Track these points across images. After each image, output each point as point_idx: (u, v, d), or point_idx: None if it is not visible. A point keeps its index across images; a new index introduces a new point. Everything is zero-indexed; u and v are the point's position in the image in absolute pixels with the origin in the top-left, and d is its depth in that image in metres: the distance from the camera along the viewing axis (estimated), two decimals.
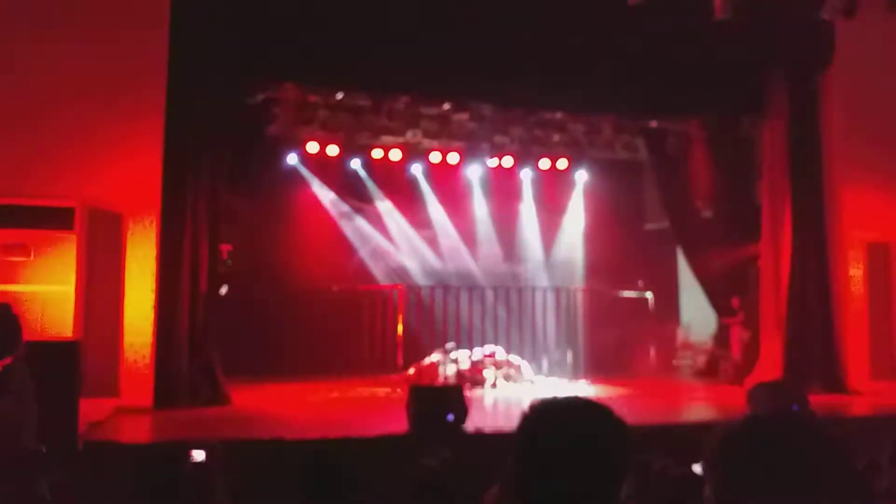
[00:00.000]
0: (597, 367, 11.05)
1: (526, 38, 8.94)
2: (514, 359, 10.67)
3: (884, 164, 10.12)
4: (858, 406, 9.09)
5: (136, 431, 6.88)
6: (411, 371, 10.47)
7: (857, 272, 10.14)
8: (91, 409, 6.65)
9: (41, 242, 7.77)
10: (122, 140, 7.79)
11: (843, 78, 10.14)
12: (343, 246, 11.92)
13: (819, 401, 8.15)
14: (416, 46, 8.81)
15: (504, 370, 10.45)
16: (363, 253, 12.11)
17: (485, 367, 10.38)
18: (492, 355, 10.52)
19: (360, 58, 8.80)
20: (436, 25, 8.65)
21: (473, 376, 10.19)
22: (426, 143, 12.33)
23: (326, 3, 8.32)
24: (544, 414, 1.61)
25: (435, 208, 13.09)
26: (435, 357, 10.35)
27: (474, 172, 13.13)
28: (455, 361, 10.32)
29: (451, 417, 6.80)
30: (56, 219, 7.73)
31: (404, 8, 8.48)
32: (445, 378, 10.00)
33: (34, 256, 7.76)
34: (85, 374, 6.36)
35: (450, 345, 10.24)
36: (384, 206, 12.88)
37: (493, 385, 10.27)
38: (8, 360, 3.44)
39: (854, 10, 8.95)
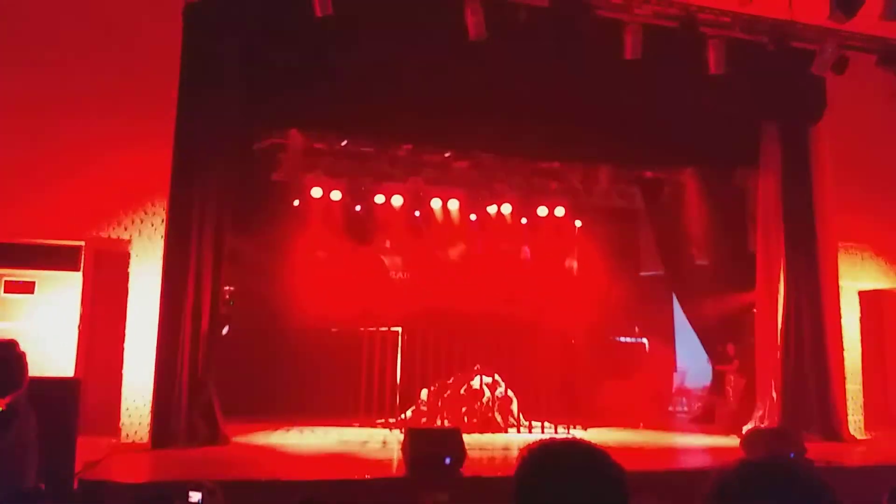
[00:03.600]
0: (592, 412, 11.02)
1: (526, 91, 9.18)
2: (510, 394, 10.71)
3: (874, 214, 10.30)
4: (855, 454, 9.03)
5: (133, 471, 6.81)
6: (406, 414, 10.48)
7: (850, 321, 10.23)
8: (89, 448, 6.65)
9: (46, 280, 7.87)
10: (129, 181, 7.91)
11: (834, 130, 10.38)
12: (343, 288, 12.03)
13: (815, 449, 8.19)
14: (419, 97, 9.04)
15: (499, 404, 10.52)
16: (362, 295, 12.21)
17: (480, 400, 10.42)
18: (492, 391, 10.56)
19: (364, 107, 9.02)
20: (438, 77, 8.89)
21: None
22: (427, 189, 12.59)
23: (332, 53, 8.51)
24: (542, 457, 1.62)
25: (435, 252, 13.26)
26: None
27: (474, 218, 13.34)
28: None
29: (448, 460, 6.81)
30: (62, 258, 7.84)
31: (408, 60, 8.70)
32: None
33: (39, 294, 7.86)
34: (84, 413, 6.36)
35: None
36: (385, 249, 13.08)
37: (492, 423, 10.30)
38: (11, 398, 3.43)
39: (844, 65, 9.25)
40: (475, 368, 10.67)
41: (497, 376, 10.74)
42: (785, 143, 10.47)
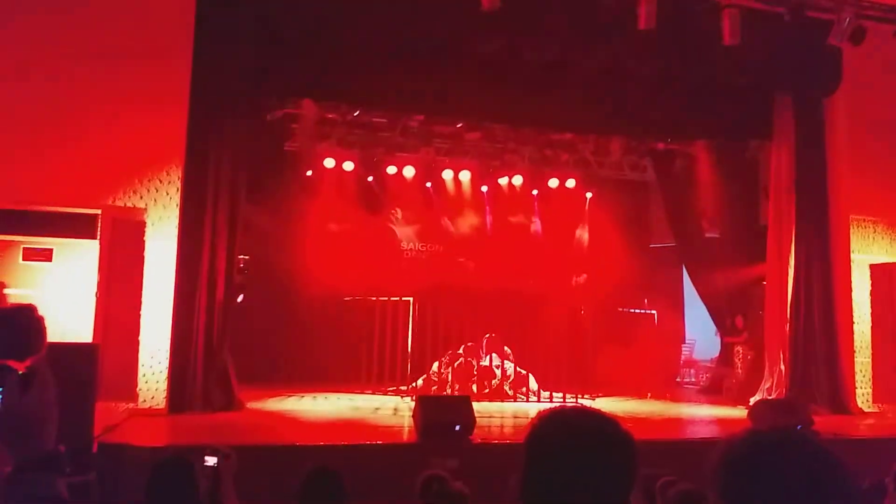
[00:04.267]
0: (601, 383, 11.11)
1: (538, 61, 9.13)
2: (521, 371, 10.78)
3: (888, 188, 10.22)
4: (862, 427, 9.06)
5: (150, 435, 6.92)
6: (418, 381, 10.60)
7: (861, 294, 10.21)
8: (107, 412, 6.79)
9: (64, 248, 7.98)
10: (145, 150, 7.96)
11: (850, 103, 10.26)
12: (355, 258, 12.11)
13: (823, 421, 8.25)
14: (432, 67, 9.02)
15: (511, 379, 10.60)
16: (374, 265, 12.30)
17: (493, 374, 10.52)
18: (501, 365, 10.65)
19: (376, 77, 9.02)
20: (451, 47, 8.85)
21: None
22: (439, 160, 12.59)
23: (345, 24, 8.47)
24: (552, 424, 1.61)
25: (446, 223, 13.31)
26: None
27: (485, 189, 13.36)
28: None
29: (458, 428, 6.92)
30: (79, 226, 7.92)
31: (420, 30, 8.65)
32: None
33: (57, 261, 7.98)
34: (102, 378, 6.47)
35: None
36: (396, 219, 13.14)
37: (501, 392, 10.39)
38: (30, 362, 3.42)
39: (861, 36, 9.12)
40: (486, 337, 10.74)
41: (507, 349, 10.81)
42: (799, 115, 10.37)
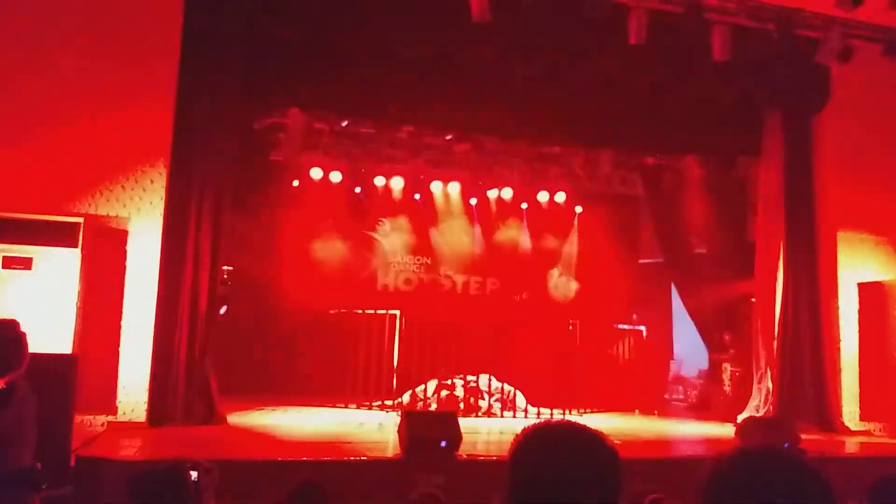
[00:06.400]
0: (589, 399, 11.05)
1: (529, 74, 9.13)
2: (508, 388, 10.68)
3: (876, 205, 10.26)
4: (849, 445, 9.07)
5: (130, 448, 6.77)
6: (406, 398, 10.48)
7: (848, 311, 10.22)
8: (85, 425, 6.67)
9: (44, 257, 7.83)
10: (128, 158, 7.85)
11: (838, 120, 10.32)
12: (341, 270, 12.02)
13: (810, 439, 8.23)
14: (421, 78, 9.00)
15: (498, 398, 10.47)
16: (361, 277, 12.22)
17: (480, 396, 10.40)
18: (487, 384, 10.54)
19: (365, 87, 8.98)
20: (441, 59, 8.83)
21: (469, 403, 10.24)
22: (428, 171, 12.55)
23: (334, 32, 8.45)
24: (537, 438, 1.62)
25: (434, 235, 13.25)
26: (432, 384, 10.42)
27: (474, 202, 13.33)
28: (451, 388, 10.36)
29: (444, 444, 6.82)
30: (60, 234, 7.77)
31: (411, 41, 8.64)
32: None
33: (37, 270, 7.83)
34: (81, 390, 6.36)
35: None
36: (384, 231, 13.06)
37: (488, 413, 10.28)
38: (10, 378, 3.43)
39: (849, 54, 9.19)
40: (467, 379, 10.55)
41: (493, 378, 10.62)
42: (788, 132, 10.41)
